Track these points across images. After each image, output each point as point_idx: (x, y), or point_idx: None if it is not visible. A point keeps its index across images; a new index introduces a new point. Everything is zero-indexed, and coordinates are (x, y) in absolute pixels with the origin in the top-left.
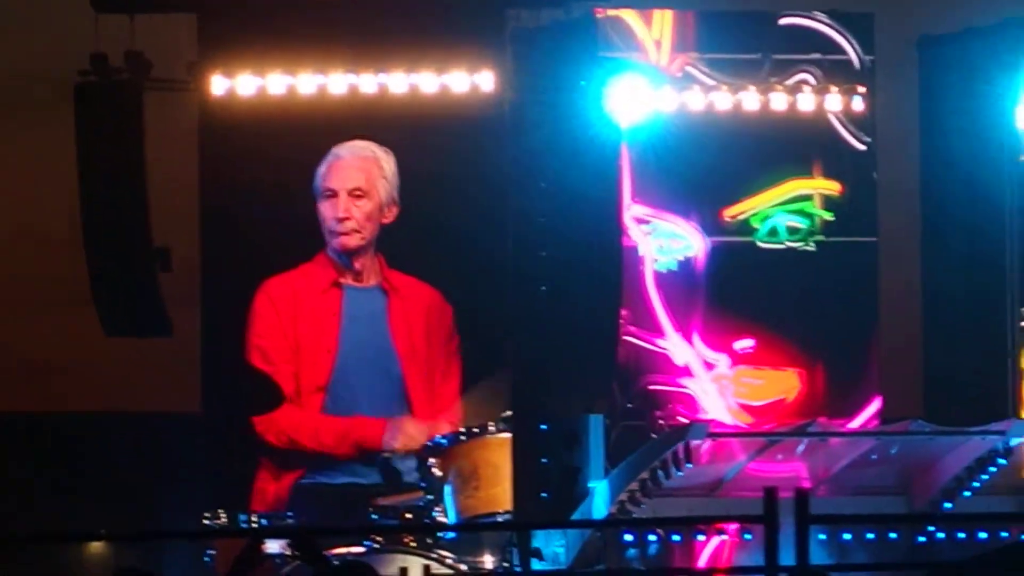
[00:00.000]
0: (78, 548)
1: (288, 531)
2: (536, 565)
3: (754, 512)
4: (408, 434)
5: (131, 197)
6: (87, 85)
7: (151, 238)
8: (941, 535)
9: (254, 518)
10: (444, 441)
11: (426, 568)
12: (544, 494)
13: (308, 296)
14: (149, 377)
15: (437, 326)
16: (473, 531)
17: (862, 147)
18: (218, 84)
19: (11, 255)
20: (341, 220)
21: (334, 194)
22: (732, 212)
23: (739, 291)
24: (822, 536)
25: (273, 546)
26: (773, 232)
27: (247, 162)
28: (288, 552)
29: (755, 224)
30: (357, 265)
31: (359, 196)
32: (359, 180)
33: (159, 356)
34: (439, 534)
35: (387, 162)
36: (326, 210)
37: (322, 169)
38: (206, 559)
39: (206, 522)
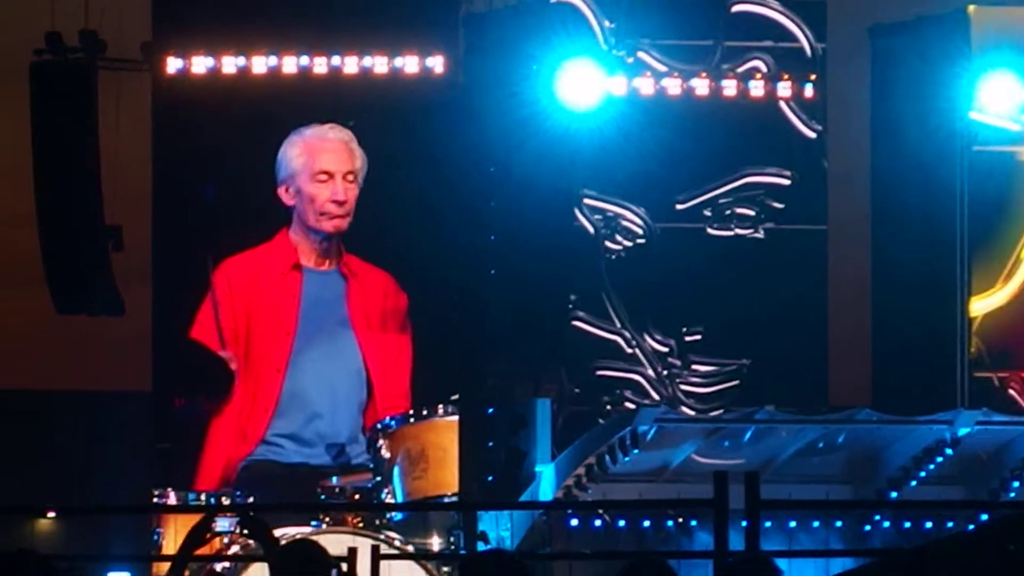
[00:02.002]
0: (28, 524)
1: (238, 508)
2: (481, 548)
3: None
4: None
5: (84, 176)
6: (42, 64)
7: (103, 217)
8: (887, 523)
9: (203, 497)
10: (393, 423)
11: (375, 548)
12: (490, 477)
13: (268, 277)
14: (100, 356)
15: (392, 312)
16: (419, 511)
17: (813, 135)
18: (171, 64)
19: None
20: (341, 203)
21: (330, 176)
22: (682, 199)
23: (689, 278)
24: (767, 523)
25: (222, 524)
26: (723, 219)
27: (200, 142)
28: (236, 530)
29: (705, 211)
30: (329, 248)
31: (351, 180)
32: (352, 164)
33: (110, 335)
34: (387, 515)
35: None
36: (318, 192)
37: (296, 150)
38: (154, 537)
39: (155, 500)
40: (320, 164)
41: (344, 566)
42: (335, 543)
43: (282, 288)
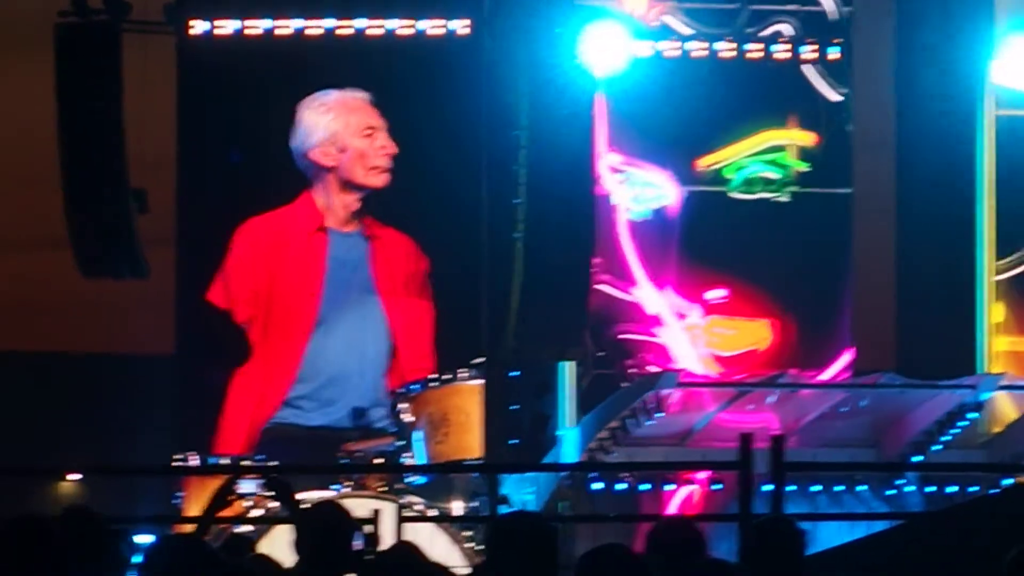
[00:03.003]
0: (51, 486)
1: (263, 470)
2: (504, 511)
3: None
4: None
5: (109, 139)
6: (66, 26)
7: (128, 179)
8: (910, 488)
9: (225, 460)
10: (416, 387)
11: (399, 509)
12: (514, 440)
13: (292, 239)
14: (124, 318)
15: (414, 275)
16: (442, 473)
17: (838, 98)
18: (197, 26)
19: None
20: (391, 155)
21: (374, 130)
22: (706, 162)
23: (712, 241)
24: (791, 487)
25: (245, 486)
26: (747, 182)
27: (224, 105)
28: (261, 492)
29: (729, 174)
30: (360, 209)
31: (387, 136)
32: (382, 120)
33: (134, 297)
34: (408, 480)
35: None
36: (367, 147)
37: (329, 112)
38: (175, 501)
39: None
40: (363, 121)
41: (368, 528)
42: (357, 507)
43: (308, 250)
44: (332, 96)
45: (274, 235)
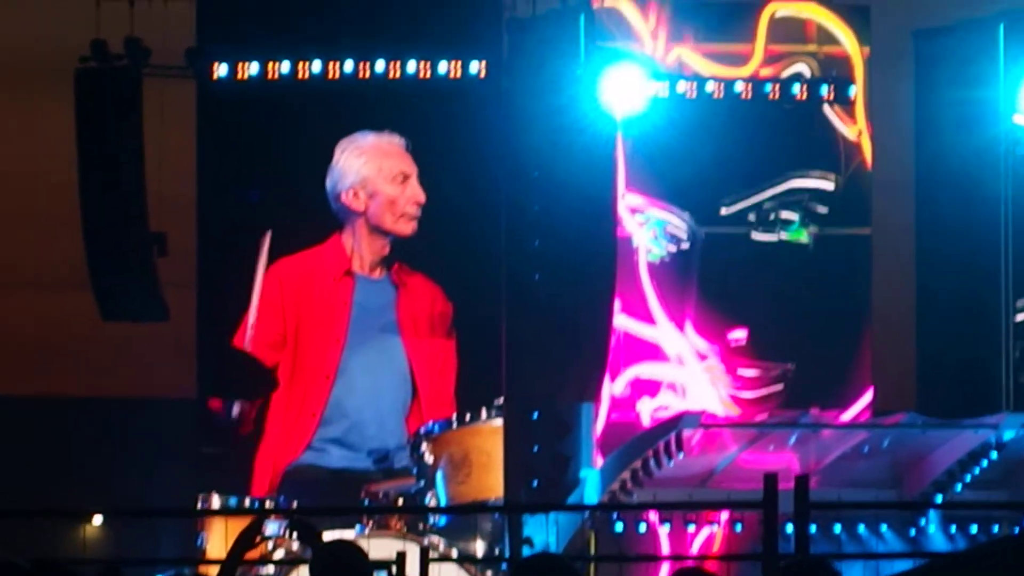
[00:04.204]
0: (76, 529)
1: (289, 512)
2: (527, 552)
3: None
4: None
5: (129, 182)
6: (87, 71)
7: (148, 223)
8: (933, 527)
9: (247, 502)
10: (436, 428)
11: (424, 550)
12: (535, 482)
13: (320, 282)
14: (145, 361)
15: (439, 319)
16: (465, 514)
17: (856, 139)
18: (214, 70)
19: (10, 236)
20: (420, 204)
21: (406, 178)
22: (726, 203)
23: (732, 282)
24: (812, 528)
25: (271, 527)
26: (767, 224)
27: (244, 147)
28: (284, 534)
29: (749, 216)
30: (388, 255)
31: (417, 183)
32: (415, 168)
33: (155, 341)
34: (430, 520)
35: None
36: (398, 194)
37: (363, 156)
38: (198, 542)
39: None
40: (396, 167)
41: (393, 569)
42: (381, 547)
43: (334, 294)
44: (368, 140)
45: (302, 278)
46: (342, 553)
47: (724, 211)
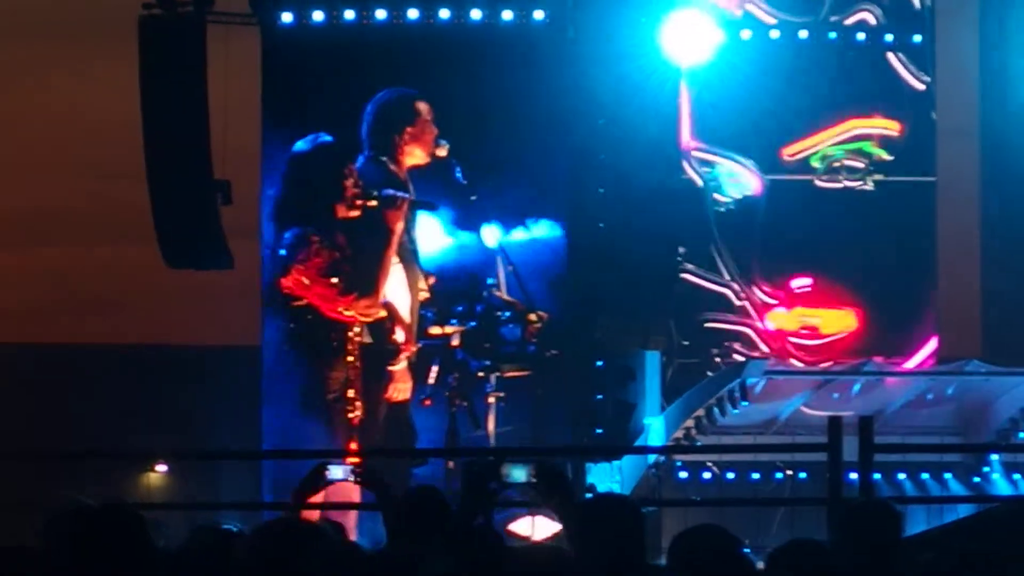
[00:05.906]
0: (139, 476)
1: (355, 455)
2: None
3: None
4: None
5: (193, 131)
6: (151, 18)
7: (212, 171)
8: (996, 475)
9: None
10: None
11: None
12: (599, 430)
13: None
14: (209, 309)
15: None
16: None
17: (921, 86)
18: (276, 17)
19: (74, 187)
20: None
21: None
22: (790, 151)
23: (797, 230)
24: (876, 476)
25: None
26: (832, 171)
27: (308, 94)
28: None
29: (814, 163)
30: None
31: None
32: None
33: (219, 289)
34: None
35: None
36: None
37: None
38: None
39: None
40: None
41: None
42: None
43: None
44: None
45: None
46: (425, 496)
47: (787, 157)
